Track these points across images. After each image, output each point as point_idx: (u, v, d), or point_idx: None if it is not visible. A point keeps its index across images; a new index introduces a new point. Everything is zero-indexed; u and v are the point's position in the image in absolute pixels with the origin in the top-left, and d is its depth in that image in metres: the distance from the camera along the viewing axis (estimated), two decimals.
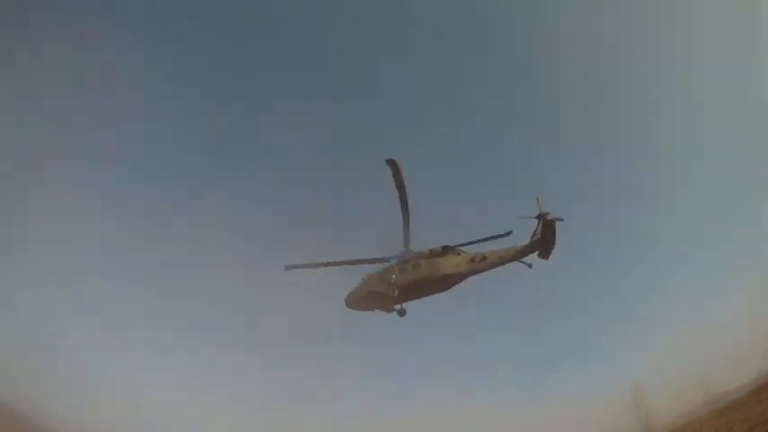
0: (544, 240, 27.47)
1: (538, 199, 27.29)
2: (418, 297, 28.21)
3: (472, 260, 27.90)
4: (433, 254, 28.24)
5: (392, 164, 25.14)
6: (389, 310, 28.50)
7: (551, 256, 27.90)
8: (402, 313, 28.49)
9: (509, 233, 27.75)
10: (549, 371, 59.03)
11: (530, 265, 27.92)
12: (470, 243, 28.48)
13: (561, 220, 27.44)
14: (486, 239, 28.03)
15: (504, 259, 27.88)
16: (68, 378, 47.73)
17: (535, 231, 27.74)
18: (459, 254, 28.23)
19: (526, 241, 27.83)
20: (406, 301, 28.21)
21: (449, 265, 27.80)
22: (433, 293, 28.26)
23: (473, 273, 27.94)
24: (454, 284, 28.11)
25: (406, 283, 27.49)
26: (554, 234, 27.28)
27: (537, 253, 28.03)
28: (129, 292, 60.47)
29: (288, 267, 28.84)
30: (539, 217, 27.44)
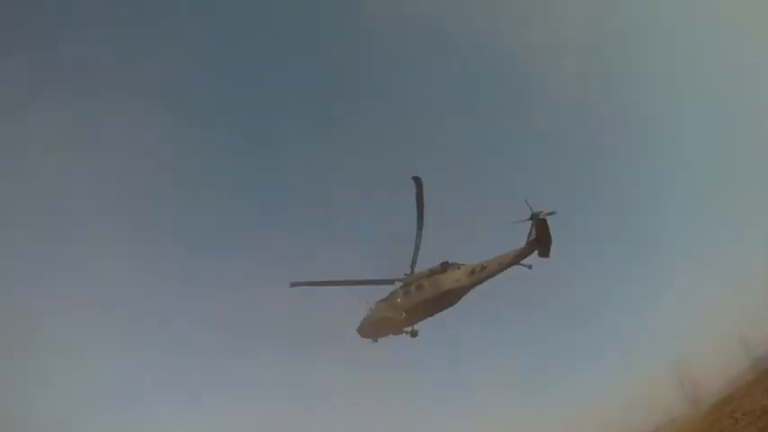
0: (540, 239, 27.65)
1: (527, 201, 27.53)
2: (426, 317, 28.67)
3: (473, 272, 28.27)
4: (433, 272, 28.71)
5: (417, 181, 25.86)
6: (401, 333, 28.99)
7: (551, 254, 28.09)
8: (414, 334, 28.99)
9: None
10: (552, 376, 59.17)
11: (530, 267, 28.11)
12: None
13: (554, 213, 27.62)
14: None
15: (503, 265, 28.16)
16: None
17: (530, 232, 27.97)
18: (459, 268, 28.61)
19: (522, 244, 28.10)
20: (414, 322, 28.68)
21: (450, 280, 28.21)
22: (439, 311, 28.69)
23: (475, 284, 28.31)
24: (459, 298, 28.48)
25: (411, 304, 28.04)
26: (548, 231, 27.44)
27: (537, 253, 28.27)
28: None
29: (292, 285, 29.07)
30: (531, 217, 27.68)
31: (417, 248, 28.54)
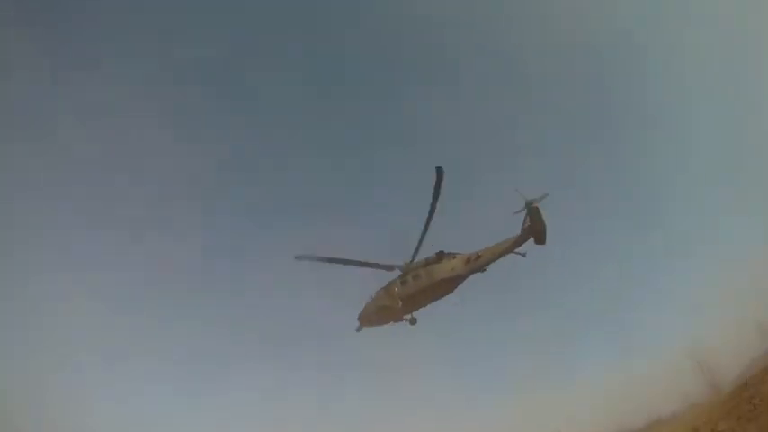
0: (535, 226, 27.79)
1: (517, 189, 27.67)
2: (423, 305, 29.38)
3: (468, 260, 28.71)
4: (429, 261, 29.37)
5: (439, 172, 26.13)
6: (400, 321, 29.75)
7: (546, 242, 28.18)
8: (413, 322, 29.77)
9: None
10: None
11: (524, 255, 28.29)
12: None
13: (546, 195, 27.75)
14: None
15: (498, 254, 28.47)
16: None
17: (524, 220, 28.12)
18: (454, 257, 29.10)
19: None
20: (412, 310, 29.48)
21: (445, 269, 28.78)
22: (436, 299, 29.30)
23: (471, 272, 28.75)
24: (455, 287, 29.02)
25: (408, 293, 28.82)
26: (542, 218, 27.54)
27: (534, 241, 28.36)
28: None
29: (298, 257, 29.35)
30: (525, 206, 27.80)
31: (422, 238, 28.87)
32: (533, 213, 27.41)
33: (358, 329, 30.01)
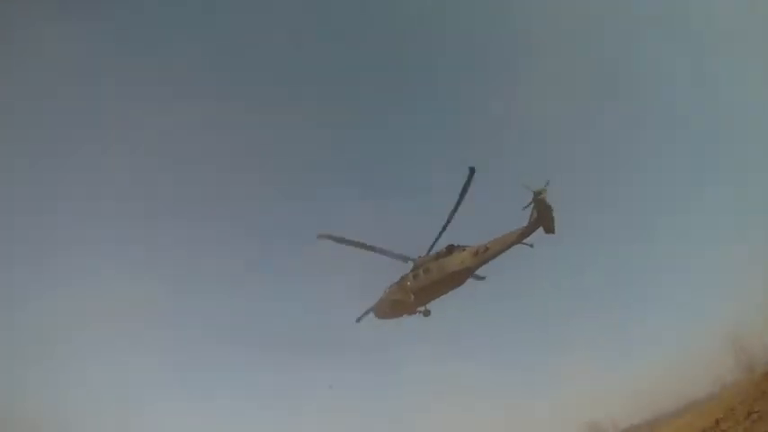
0: (543, 217, 27.86)
1: (524, 184, 27.58)
2: (435, 297, 30.19)
3: (476, 253, 29.18)
4: (439, 255, 30.04)
5: (471, 171, 26.70)
6: (414, 313, 30.71)
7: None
8: (426, 314, 30.66)
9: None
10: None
11: (531, 246, 28.46)
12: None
13: (548, 182, 27.50)
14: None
15: (506, 245, 28.72)
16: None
17: (532, 211, 28.15)
18: (464, 250, 29.61)
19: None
20: (425, 303, 30.35)
21: (455, 262, 29.37)
22: (447, 291, 30.05)
23: (480, 264, 29.22)
24: (465, 279, 29.62)
25: (420, 287, 29.72)
26: (549, 208, 27.51)
27: (543, 230, 28.39)
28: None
29: (320, 236, 30.10)
30: (534, 198, 27.76)
31: (442, 232, 29.07)
32: (541, 204, 27.43)
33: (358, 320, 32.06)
